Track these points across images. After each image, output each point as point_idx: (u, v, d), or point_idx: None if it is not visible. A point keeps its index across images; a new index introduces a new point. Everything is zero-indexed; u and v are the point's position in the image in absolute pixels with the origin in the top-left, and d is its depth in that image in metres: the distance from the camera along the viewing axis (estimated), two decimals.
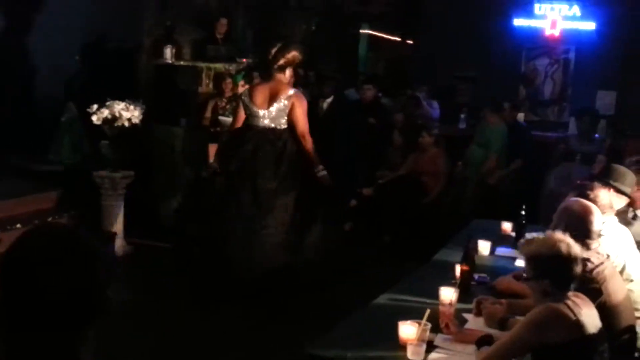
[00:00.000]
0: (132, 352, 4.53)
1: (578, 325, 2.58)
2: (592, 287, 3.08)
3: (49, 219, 5.82)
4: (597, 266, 3.16)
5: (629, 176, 4.06)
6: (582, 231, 3.21)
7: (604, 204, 3.59)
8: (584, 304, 2.70)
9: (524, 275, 2.83)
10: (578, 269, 2.71)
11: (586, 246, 3.20)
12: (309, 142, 5.46)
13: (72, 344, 1.40)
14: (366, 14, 12.43)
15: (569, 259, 2.68)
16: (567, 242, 2.72)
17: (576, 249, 2.71)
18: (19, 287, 1.36)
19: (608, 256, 3.31)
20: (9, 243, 1.45)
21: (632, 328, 3.27)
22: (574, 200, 3.43)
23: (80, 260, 1.41)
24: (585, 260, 3.14)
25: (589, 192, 3.61)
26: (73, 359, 1.40)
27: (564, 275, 2.69)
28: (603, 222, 3.51)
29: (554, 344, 2.56)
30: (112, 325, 4.70)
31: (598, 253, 3.25)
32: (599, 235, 3.31)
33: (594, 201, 3.51)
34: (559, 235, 2.77)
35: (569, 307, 2.61)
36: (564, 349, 2.56)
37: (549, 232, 2.86)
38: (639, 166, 4.32)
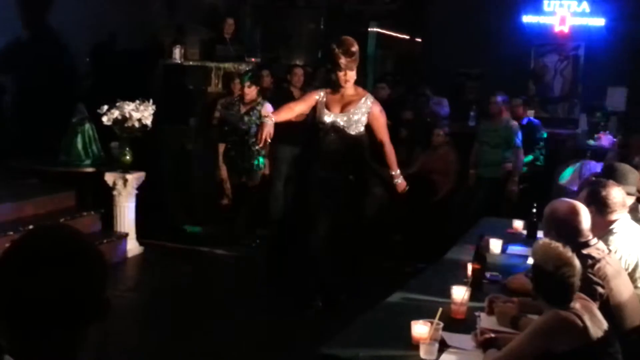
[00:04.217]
0: (143, 351, 4.56)
1: (585, 332, 2.53)
2: (594, 281, 3.04)
3: (61, 221, 5.84)
4: (597, 261, 3.12)
5: (631, 175, 3.99)
6: (572, 232, 3.16)
7: (617, 202, 3.51)
8: (588, 306, 2.65)
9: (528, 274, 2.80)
10: (569, 295, 2.60)
11: (585, 244, 3.17)
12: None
13: (71, 344, 1.42)
14: (374, 12, 12.40)
15: (562, 282, 2.58)
16: (570, 265, 2.60)
17: (574, 277, 2.59)
18: (16, 284, 1.38)
19: (609, 252, 3.27)
20: None
21: (639, 328, 3.22)
22: (558, 202, 3.33)
23: (78, 262, 1.43)
24: (586, 256, 3.10)
25: (601, 189, 3.51)
26: (71, 358, 1.42)
27: (554, 294, 2.62)
28: (616, 220, 3.49)
29: (561, 352, 2.52)
30: (123, 325, 4.77)
31: (598, 249, 3.20)
32: (590, 232, 3.24)
33: (605, 199, 3.47)
34: (567, 253, 2.64)
35: (575, 313, 2.56)
36: (572, 357, 2.52)
37: (559, 248, 2.68)
38: None
